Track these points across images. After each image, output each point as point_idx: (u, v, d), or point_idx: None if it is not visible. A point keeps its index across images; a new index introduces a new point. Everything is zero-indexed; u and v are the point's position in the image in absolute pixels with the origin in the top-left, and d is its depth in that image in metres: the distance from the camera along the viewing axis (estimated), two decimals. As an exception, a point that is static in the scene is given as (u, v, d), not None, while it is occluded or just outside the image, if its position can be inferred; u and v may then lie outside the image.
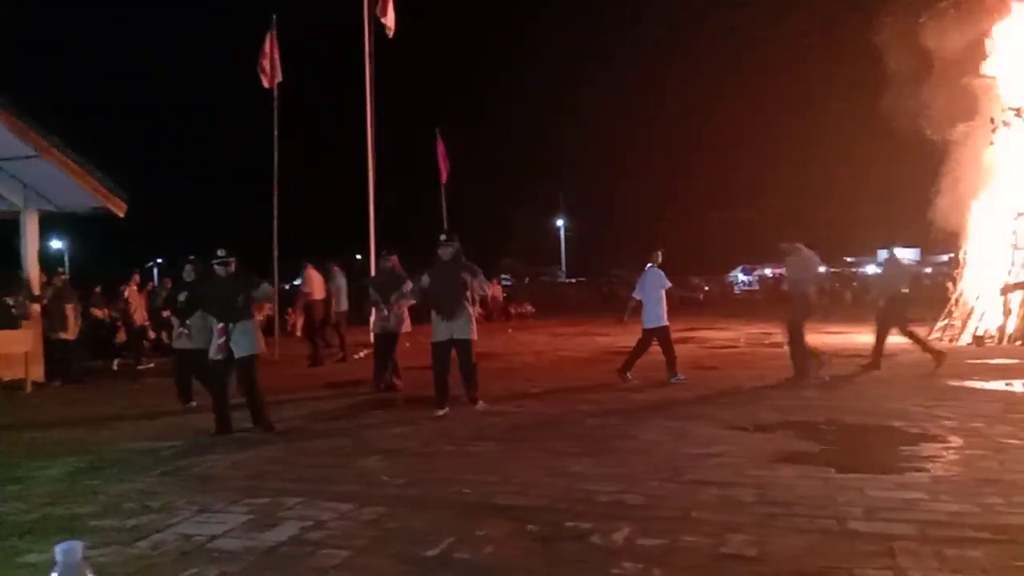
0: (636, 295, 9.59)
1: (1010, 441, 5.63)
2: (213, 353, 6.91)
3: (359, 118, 15.06)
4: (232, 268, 6.90)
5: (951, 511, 4.02)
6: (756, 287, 45.72)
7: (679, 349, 9.93)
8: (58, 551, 1.52)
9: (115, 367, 13.34)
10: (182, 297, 8.07)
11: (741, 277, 51.44)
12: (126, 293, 14.12)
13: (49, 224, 15.18)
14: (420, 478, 5.04)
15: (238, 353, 6.80)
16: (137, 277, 14.92)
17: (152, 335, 14.28)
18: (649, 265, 9.57)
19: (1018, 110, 13.69)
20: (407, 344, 9.30)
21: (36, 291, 11.48)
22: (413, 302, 8.77)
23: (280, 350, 13.43)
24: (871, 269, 32.92)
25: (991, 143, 13.91)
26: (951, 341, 13.69)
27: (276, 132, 14.24)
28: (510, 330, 20.26)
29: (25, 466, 5.76)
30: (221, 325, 6.82)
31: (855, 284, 33.03)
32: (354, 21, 15.12)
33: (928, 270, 33.94)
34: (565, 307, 31.96)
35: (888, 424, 6.41)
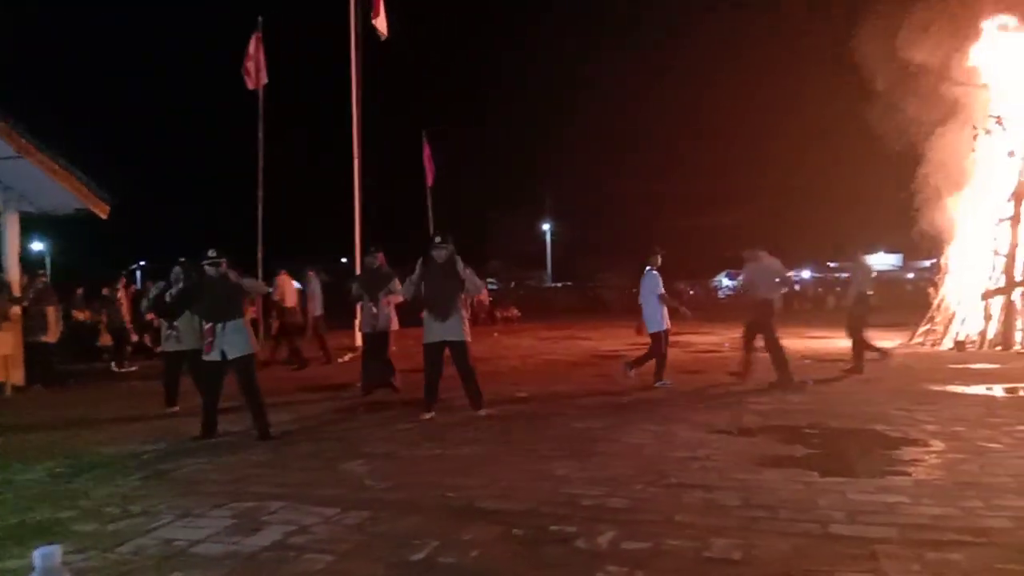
0: (640, 299, 9.56)
1: (990, 445, 5.69)
2: (206, 353, 6.84)
3: (346, 120, 15.05)
4: (223, 268, 6.85)
5: (933, 514, 4.05)
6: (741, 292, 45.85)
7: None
8: (36, 556, 1.51)
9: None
10: (173, 290, 7.92)
11: (726, 282, 51.65)
12: (120, 294, 14.04)
13: (30, 225, 15.03)
14: (405, 482, 5.03)
15: (233, 354, 6.71)
16: (124, 280, 14.85)
17: (135, 338, 14.17)
18: (648, 268, 9.52)
19: (999, 118, 13.87)
20: (393, 348, 9.23)
21: (16, 293, 11.35)
22: (401, 299, 8.73)
23: (263, 354, 13.31)
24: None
25: (973, 150, 14.08)
26: (933, 345, 13.84)
27: (261, 134, 14.21)
28: (496, 334, 20.25)
29: (4, 470, 5.70)
30: (209, 325, 6.76)
31: (838, 289, 33.27)
32: (342, 23, 15.13)
33: (911, 275, 34.22)
34: (551, 311, 32.01)
35: (870, 428, 6.46)
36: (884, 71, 13.53)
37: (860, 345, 10.15)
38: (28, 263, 14.63)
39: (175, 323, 8.16)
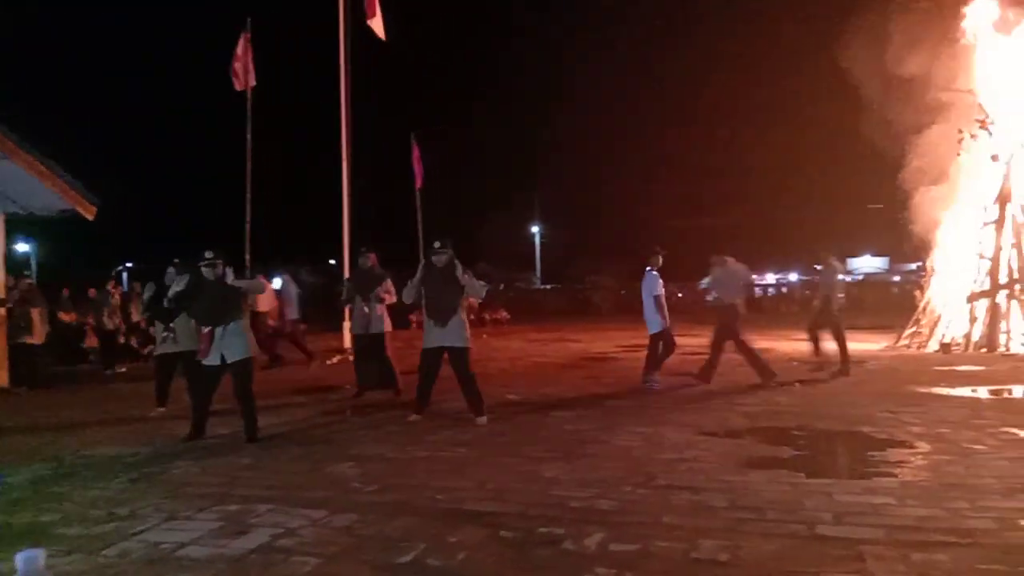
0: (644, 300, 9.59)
1: (975, 447, 5.73)
2: (202, 356, 6.79)
3: (335, 122, 15.00)
4: (220, 270, 6.78)
5: (918, 515, 4.08)
6: None
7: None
8: (19, 559, 1.50)
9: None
10: (172, 291, 7.82)
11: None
12: (115, 295, 13.96)
13: (16, 226, 14.91)
14: (393, 484, 5.02)
15: (232, 357, 6.64)
16: (114, 281, 14.83)
17: (121, 340, 14.08)
18: (648, 269, 9.53)
19: (983, 122, 13.99)
20: (388, 352, 9.18)
21: (1, 294, 11.25)
22: (394, 299, 8.69)
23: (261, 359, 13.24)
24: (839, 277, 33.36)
25: (958, 154, 14.19)
26: (919, 348, 13.95)
27: (249, 136, 14.12)
28: (485, 336, 20.24)
29: (-12, 473, 5.65)
30: (208, 329, 6.70)
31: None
32: (332, 24, 15.10)
33: (897, 278, 34.40)
34: (540, 313, 32.03)
35: (856, 430, 6.50)
36: (871, 75, 13.64)
37: (843, 347, 10.24)
38: (13, 264, 14.53)
39: (171, 325, 8.09)
